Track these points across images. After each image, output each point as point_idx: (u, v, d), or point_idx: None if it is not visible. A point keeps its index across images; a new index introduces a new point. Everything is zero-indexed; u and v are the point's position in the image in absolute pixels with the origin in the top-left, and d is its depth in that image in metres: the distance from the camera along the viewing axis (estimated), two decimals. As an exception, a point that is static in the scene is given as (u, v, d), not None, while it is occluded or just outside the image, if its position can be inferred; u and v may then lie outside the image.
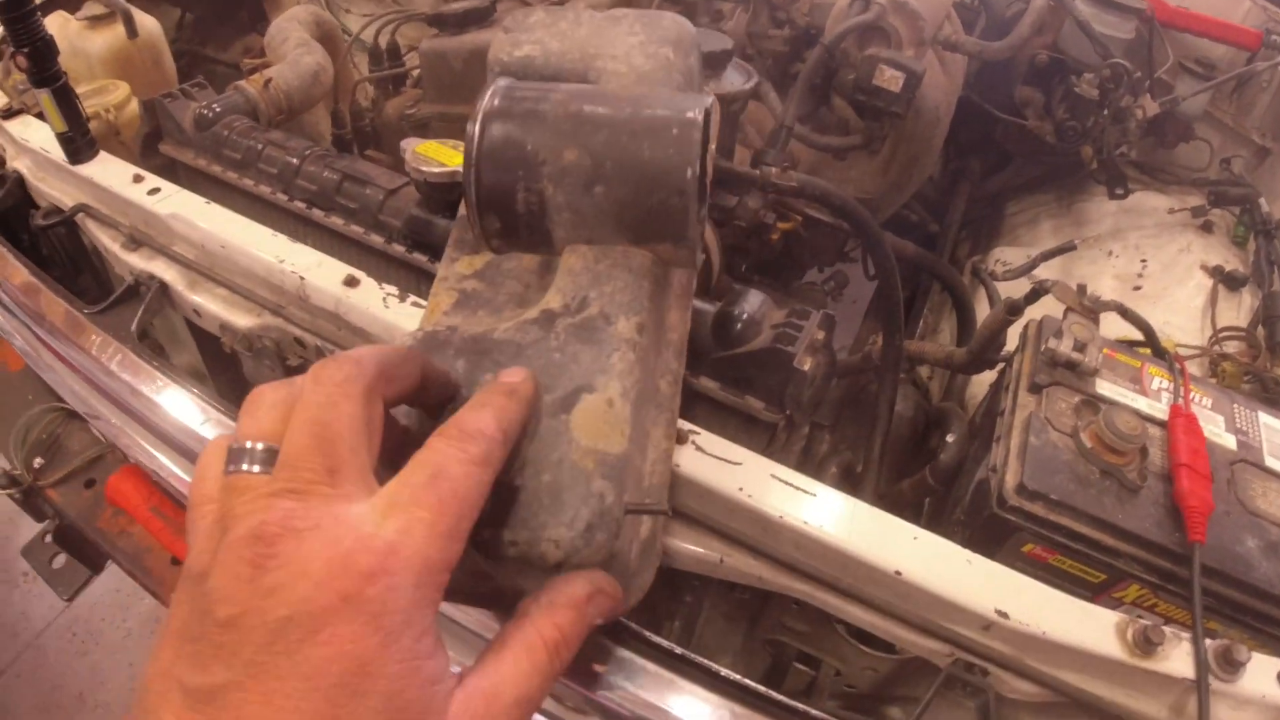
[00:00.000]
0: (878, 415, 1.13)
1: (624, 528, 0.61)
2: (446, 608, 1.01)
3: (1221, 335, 1.58)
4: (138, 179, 1.25)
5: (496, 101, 0.64)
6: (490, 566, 0.61)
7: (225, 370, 1.41)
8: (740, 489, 0.79)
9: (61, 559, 1.75)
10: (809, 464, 1.13)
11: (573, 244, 0.66)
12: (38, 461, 1.66)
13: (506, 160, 0.63)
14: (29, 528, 1.72)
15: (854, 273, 1.75)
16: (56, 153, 1.30)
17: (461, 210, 0.75)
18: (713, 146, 0.76)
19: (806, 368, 0.86)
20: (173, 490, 1.41)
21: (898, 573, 0.76)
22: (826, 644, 1.01)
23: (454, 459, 0.51)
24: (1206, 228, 1.86)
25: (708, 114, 0.63)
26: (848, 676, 1.03)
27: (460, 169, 0.95)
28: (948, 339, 1.72)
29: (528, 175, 0.62)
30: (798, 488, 0.80)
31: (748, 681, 0.78)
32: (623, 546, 0.62)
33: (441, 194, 1.03)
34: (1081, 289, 1.07)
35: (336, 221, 1.17)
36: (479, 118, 0.63)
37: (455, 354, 0.63)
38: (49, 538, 1.73)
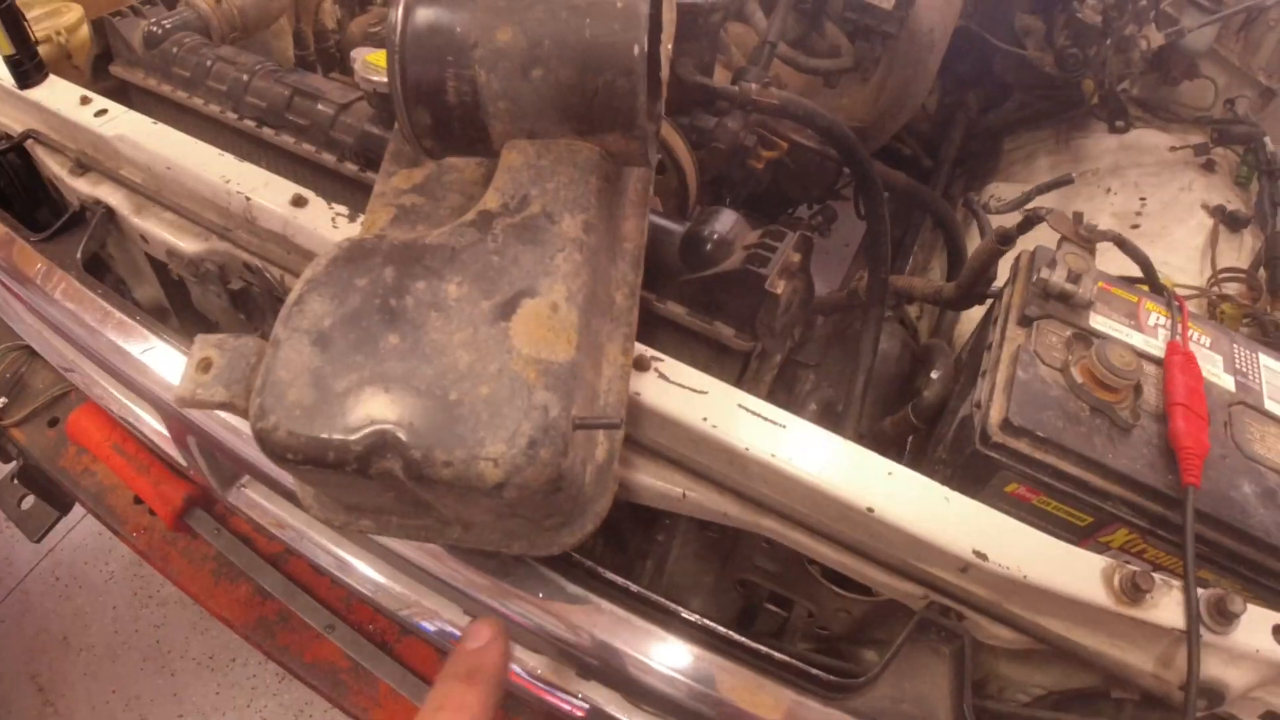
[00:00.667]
0: (861, 351, 1.08)
1: (573, 445, 0.55)
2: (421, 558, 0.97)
3: (1221, 276, 1.53)
4: (85, 101, 1.19)
5: None
6: (425, 492, 0.55)
7: (188, 303, 1.35)
8: (705, 419, 0.73)
9: (30, 500, 1.73)
10: (793, 402, 1.08)
11: (513, 139, 0.59)
12: (1, 400, 1.62)
13: (434, 47, 0.57)
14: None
15: (845, 212, 1.69)
16: (6, 78, 1.23)
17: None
18: (669, 45, 0.69)
19: (779, 291, 0.80)
20: (130, 427, 1.37)
21: (870, 510, 0.72)
22: (799, 585, 0.97)
23: None
24: (1209, 167, 1.80)
25: None
26: (820, 619, 0.99)
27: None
28: (938, 277, 1.66)
29: (458, 61, 0.56)
30: (767, 419, 0.74)
31: (709, 623, 0.74)
32: (573, 466, 0.56)
33: (394, 107, 0.95)
34: (1078, 217, 1.01)
35: (287, 140, 1.10)
36: (400, 3, 0.56)
37: (383, 262, 0.57)
38: (15, 479, 1.70)
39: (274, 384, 0.53)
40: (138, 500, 1.52)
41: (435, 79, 0.57)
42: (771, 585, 0.99)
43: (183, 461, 1.26)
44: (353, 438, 0.51)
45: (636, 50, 0.55)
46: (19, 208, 1.40)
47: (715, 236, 0.83)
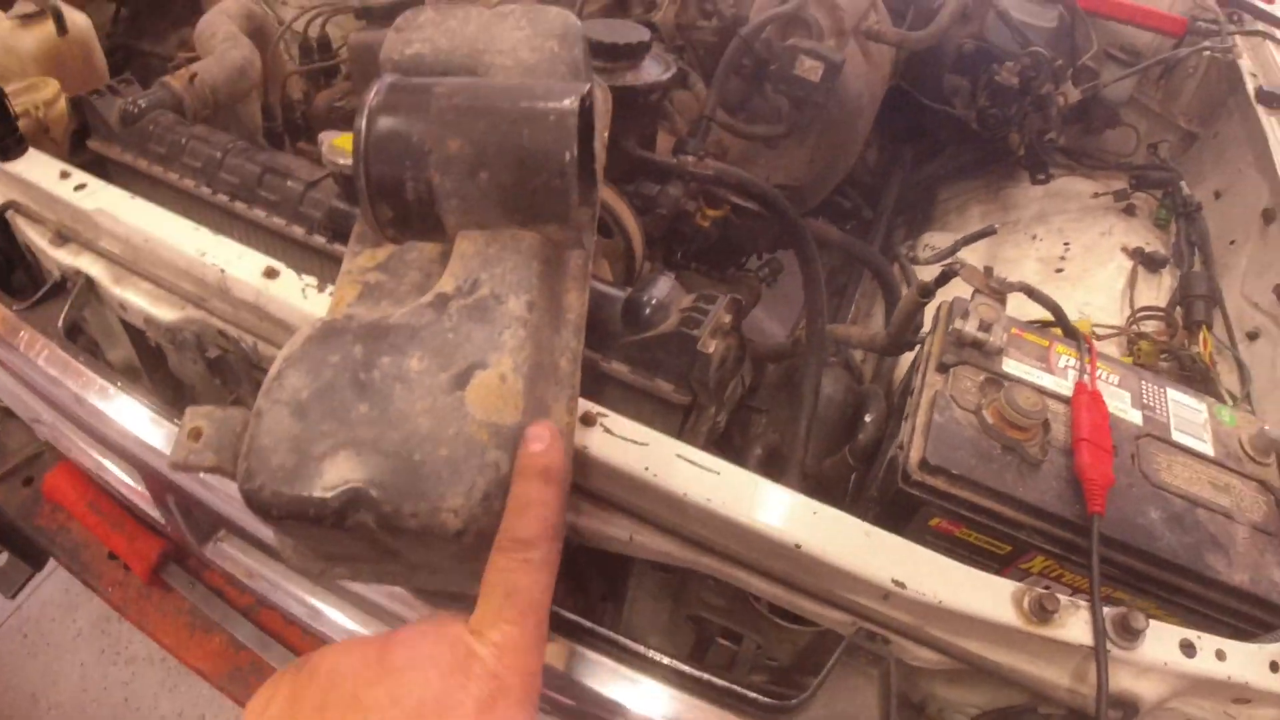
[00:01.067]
0: (803, 397, 1.16)
1: None
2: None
3: (1140, 315, 1.62)
4: (65, 175, 1.24)
5: (382, 96, 0.66)
6: (394, 541, 0.63)
7: (159, 366, 1.41)
8: (646, 468, 0.81)
9: (3, 557, 1.75)
10: (745, 445, 1.16)
11: (465, 229, 0.68)
12: (-28, 463, 1.65)
13: (394, 152, 0.65)
14: (-31, 530, 1.71)
15: (794, 261, 1.77)
16: (-14, 151, 1.28)
17: None
18: (605, 134, 0.78)
19: (711, 350, 0.88)
20: (106, 486, 1.42)
21: (797, 545, 0.79)
22: (746, 619, 1.03)
23: (518, 572, 0.60)
24: (1129, 211, 1.91)
25: (584, 101, 0.65)
26: (768, 650, 1.06)
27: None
28: (879, 323, 1.75)
29: (415, 165, 0.64)
30: (702, 466, 0.82)
31: (657, 655, 0.80)
32: None
33: (359, 185, 1.03)
34: (989, 271, 1.10)
35: (258, 214, 1.17)
36: (365, 112, 0.65)
37: (353, 340, 0.65)
38: (-10, 537, 1.72)
39: (259, 450, 0.60)
40: (112, 556, 1.55)
41: (395, 179, 0.65)
42: (721, 620, 1.05)
43: (160, 519, 1.31)
44: (330, 495, 0.58)
45: (568, 156, 0.63)
46: (-4, 274, 1.44)
47: (653, 301, 0.92)
